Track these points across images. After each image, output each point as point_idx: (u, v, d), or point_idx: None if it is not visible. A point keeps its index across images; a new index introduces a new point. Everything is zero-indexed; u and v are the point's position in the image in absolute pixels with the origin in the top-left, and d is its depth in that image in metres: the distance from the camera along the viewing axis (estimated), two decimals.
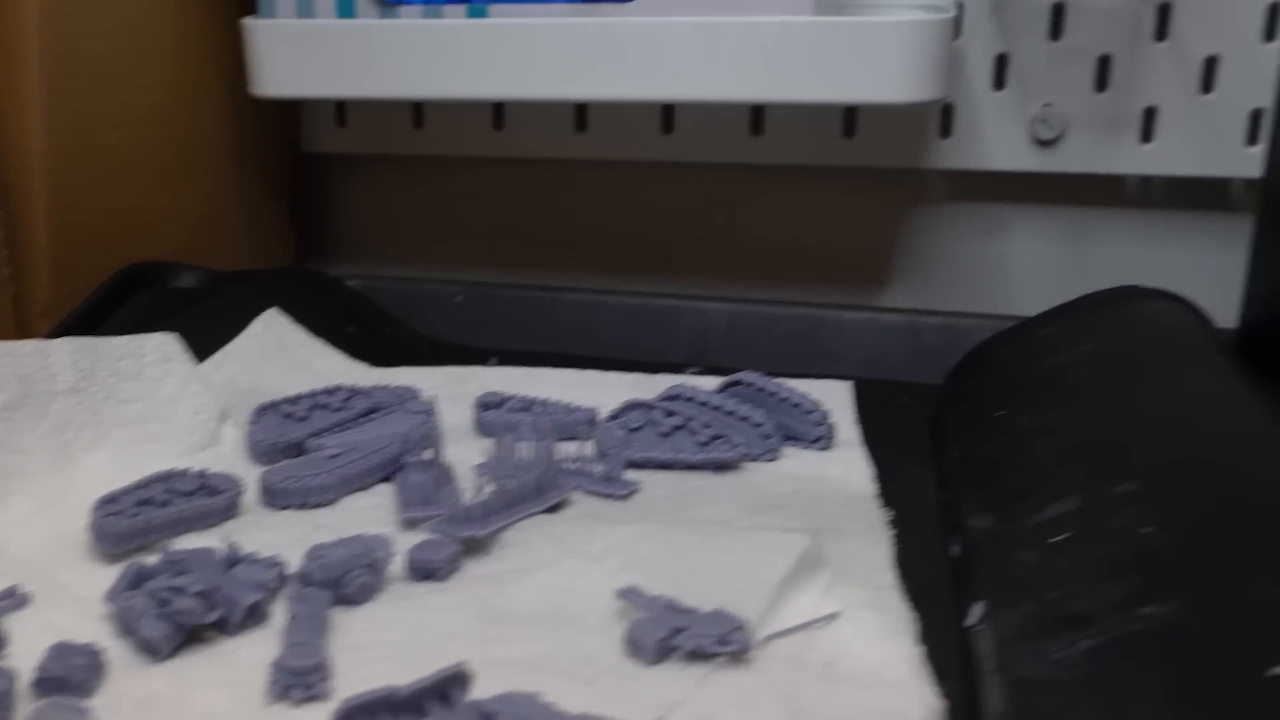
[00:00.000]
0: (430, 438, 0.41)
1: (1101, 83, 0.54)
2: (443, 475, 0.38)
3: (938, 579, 0.32)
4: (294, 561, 0.32)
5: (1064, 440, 0.35)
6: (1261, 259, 0.41)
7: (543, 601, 0.31)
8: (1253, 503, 0.28)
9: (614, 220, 0.63)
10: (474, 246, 0.65)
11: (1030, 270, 0.59)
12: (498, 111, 0.61)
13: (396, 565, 0.33)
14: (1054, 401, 0.38)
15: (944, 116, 0.56)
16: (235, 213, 0.60)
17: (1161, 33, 0.53)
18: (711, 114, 0.58)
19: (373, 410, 0.42)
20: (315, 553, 0.31)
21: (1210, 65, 0.53)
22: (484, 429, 0.43)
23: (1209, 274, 0.55)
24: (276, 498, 0.37)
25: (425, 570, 0.32)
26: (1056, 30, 0.54)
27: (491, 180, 0.64)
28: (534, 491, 0.36)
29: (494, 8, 0.51)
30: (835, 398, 0.45)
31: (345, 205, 0.66)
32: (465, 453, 0.41)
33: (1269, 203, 0.41)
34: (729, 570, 0.31)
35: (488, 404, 0.43)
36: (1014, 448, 0.36)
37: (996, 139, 0.56)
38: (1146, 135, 0.54)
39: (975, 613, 0.30)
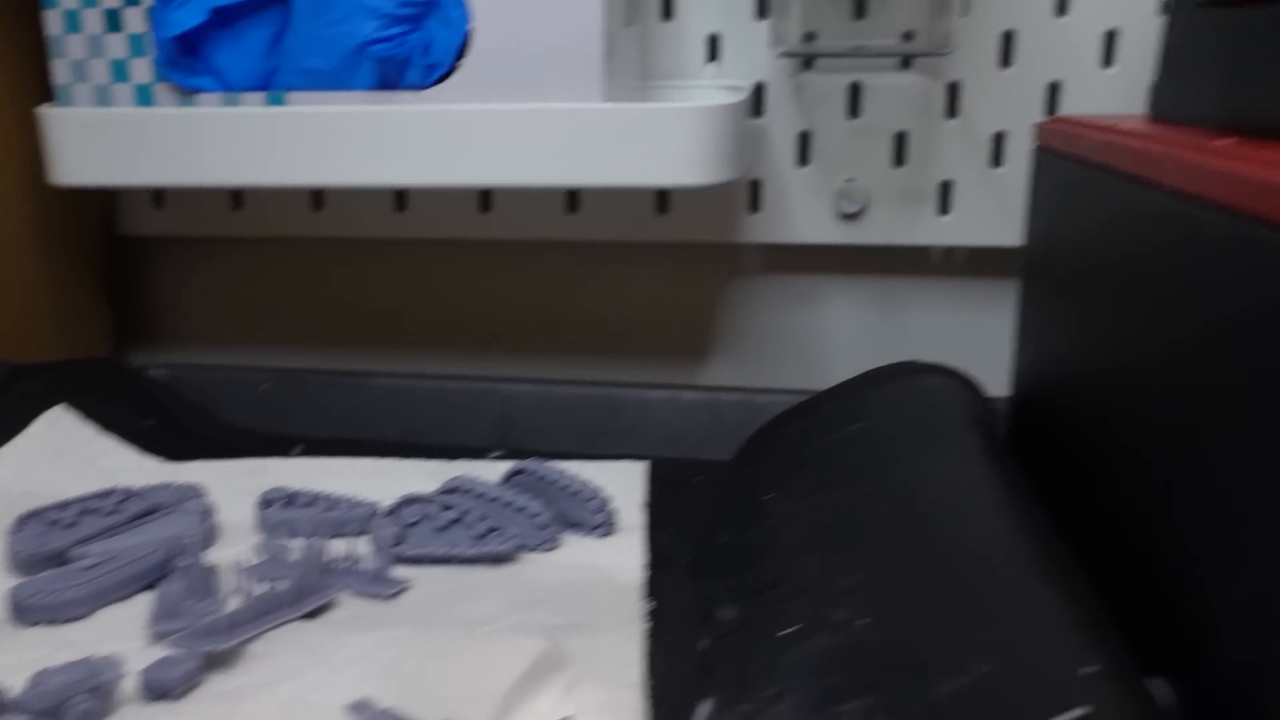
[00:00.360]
0: (201, 541, 0.40)
1: (899, 158, 0.56)
2: (203, 582, 0.37)
3: (685, 675, 0.33)
4: (21, 687, 0.31)
5: (816, 526, 0.35)
6: (1023, 329, 0.42)
7: (275, 719, 0.30)
8: (961, 594, 0.28)
9: (438, 298, 0.63)
10: (298, 328, 0.64)
11: (845, 339, 0.61)
12: (317, 192, 0.61)
13: (133, 684, 0.32)
14: (817, 484, 0.38)
15: (753, 192, 0.57)
16: (45, 301, 0.58)
17: (952, 110, 0.55)
18: (528, 192, 0.59)
19: (149, 512, 0.42)
20: (37, 679, 0.30)
21: (999, 140, 0.55)
22: (265, 527, 0.42)
23: (1011, 340, 0.57)
24: (25, 614, 0.36)
25: (159, 690, 0.31)
26: (854, 109, 0.56)
27: (314, 261, 0.64)
28: (293, 596, 0.36)
29: (292, 95, 0.50)
30: (627, 480, 0.45)
31: (166, 289, 0.65)
32: (244, 553, 0.40)
33: (1028, 273, 0.42)
34: (463, 678, 0.31)
35: (270, 500, 0.43)
36: (772, 534, 0.37)
37: (803, 213, 0.57)
38: (944, 207, 0.56)
39: (702, 713, 0.30)
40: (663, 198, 0.58)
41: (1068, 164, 0.36)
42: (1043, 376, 0.40)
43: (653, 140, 0.48)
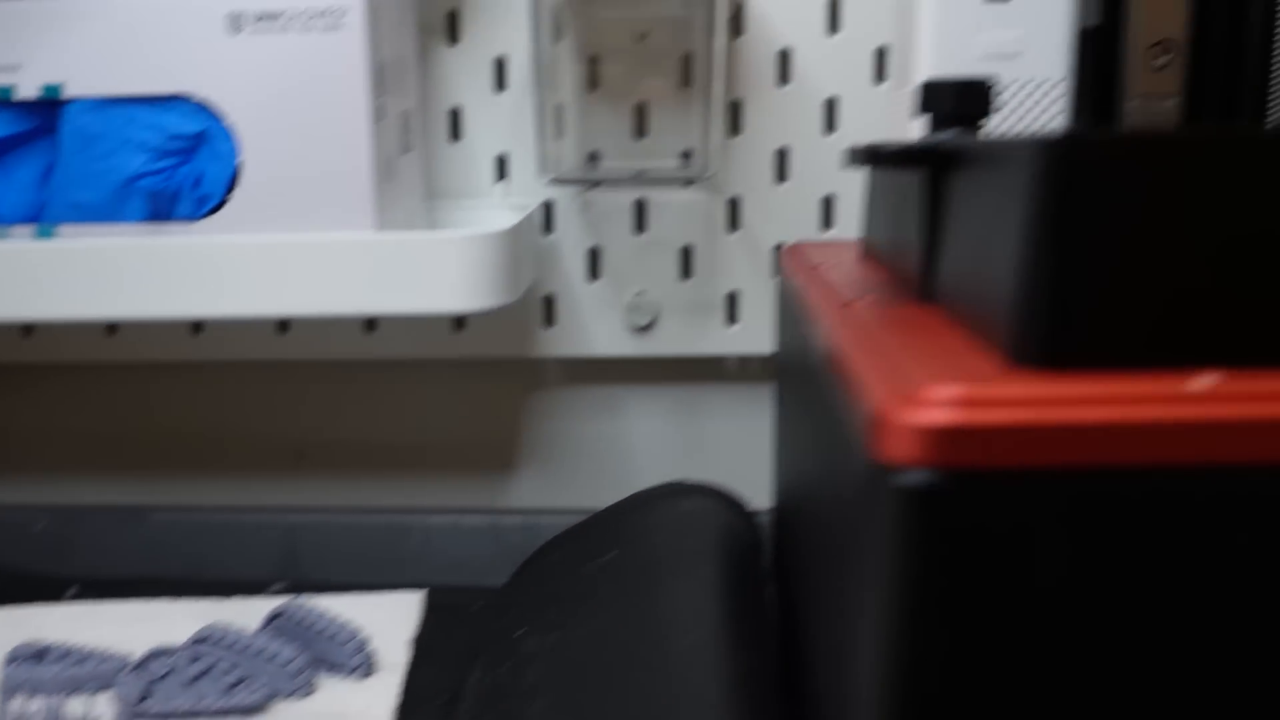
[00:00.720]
0: None
1: (686, 271, 0.57)
2: None
3: None
4: None
5: (549, 668, 0.35)
6: (776, 442, 0.43)
7: None
8: None
9: (240, 421, 0.62)
10: (96, 458, 0.63)
11: (649, 448, 0.61)
12: None
13: None
14: (561, 620, 0.38)
15: (547, 307, 0.58)
16: None
17: (734, 224, 0.57)
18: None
19: None
20: None
21: (780, 252, 0.56)
22: (6, 687, 0.40)
23: None
24: None
25: None
26: (641, 224, 0.57)
27: (110, 387, 0.62)
28: None
29: (63, 228, 0.50)
30: (399, 613, 0.45)
31: None
32: None
33: (779, 384, 0.43)
34: None
35: (17, 656, 0.41)
36: (514, 675, 0.36)
37: (597, 326, 0.58)
38: (732, 317, 0.57)
39: None
40: (459, 316, 0.58)
41: (787, 293, 0.38)
42: (781, 492, 0.41)
43: (425, 268, 0.48)
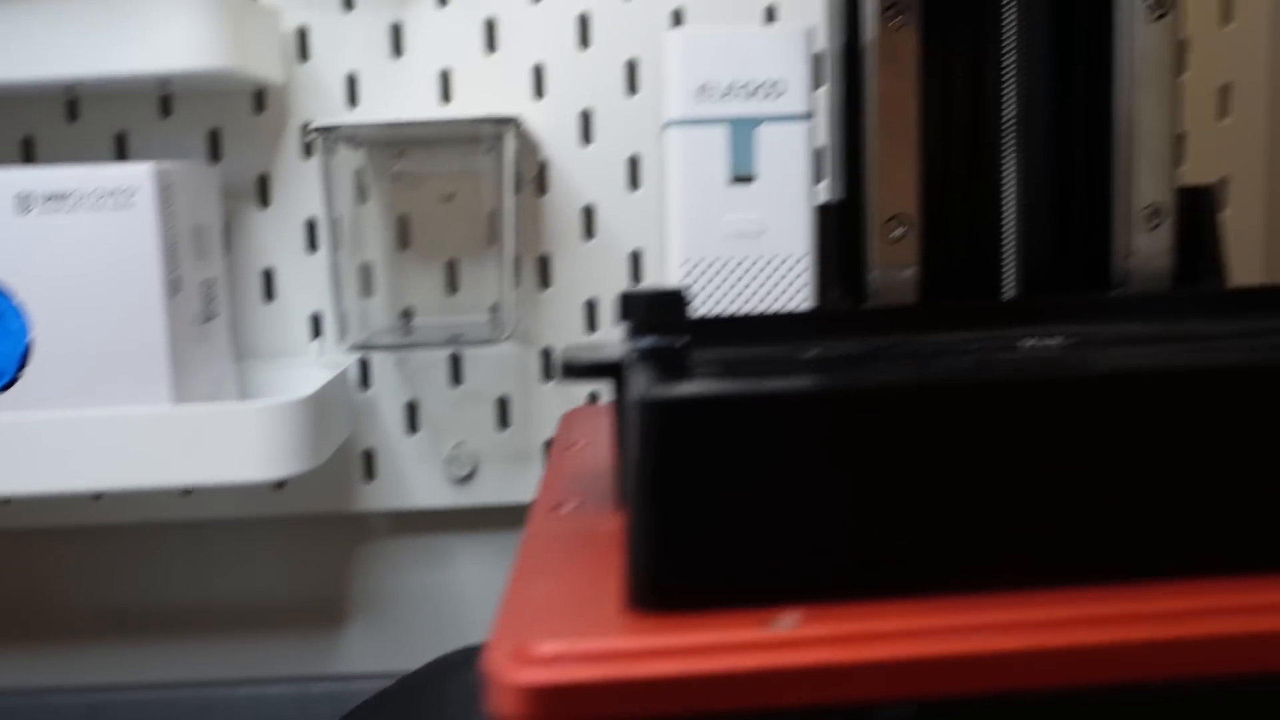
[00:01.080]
0: None
1: (504, 421, 0.58)
2: None
3: None
4: None
5: None
6: None
7: None
8: None
9: (56, 589, 0.61)
10: None
11: (479, 596, 0.61)
12: None
13: None
14: None
15: (366, 461, 0.58)
16: None
17: (548, 374, 0.58)
18: None
19: None
20: None
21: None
22: None
23: None
24: None
25: None
26: (457, 376, 0.58)
27: None
28: None
29: None
30: None
31: None
32: None
33: None
34: None
35: None
36: None
37: (417, 479, 0.58)
38: None
39: None
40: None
41: None
42: None
43: (223, 439, 0.48)
